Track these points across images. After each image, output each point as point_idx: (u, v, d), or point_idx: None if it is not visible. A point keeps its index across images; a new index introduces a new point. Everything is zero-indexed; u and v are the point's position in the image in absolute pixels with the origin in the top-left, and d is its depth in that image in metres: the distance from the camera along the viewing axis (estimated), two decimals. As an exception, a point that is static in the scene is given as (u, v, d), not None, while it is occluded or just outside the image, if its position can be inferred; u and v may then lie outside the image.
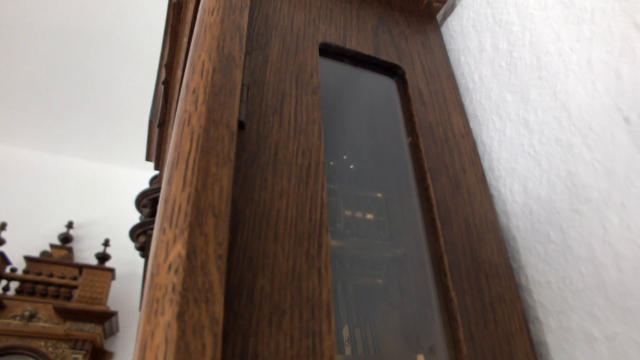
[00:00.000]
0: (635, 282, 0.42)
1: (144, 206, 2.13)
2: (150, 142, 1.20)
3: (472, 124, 0.67)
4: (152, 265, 0.32)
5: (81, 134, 3.16)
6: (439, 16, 0.80)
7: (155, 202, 1.93)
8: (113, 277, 2.55)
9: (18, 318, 2.20)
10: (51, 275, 2.39)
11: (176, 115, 0.41)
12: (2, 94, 2.83)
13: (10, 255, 2.48)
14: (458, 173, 0.56)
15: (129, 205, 2.76)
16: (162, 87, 0.95)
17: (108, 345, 2.57)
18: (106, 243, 2.70)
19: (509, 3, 0.65)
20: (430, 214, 0.52)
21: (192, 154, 0.37)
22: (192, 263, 0.31)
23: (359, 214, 0.66)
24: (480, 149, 0.64)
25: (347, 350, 0.64)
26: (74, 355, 2.23)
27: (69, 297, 2.38)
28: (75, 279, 2.44)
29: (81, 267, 2.51)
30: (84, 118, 3.03)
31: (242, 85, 0.47)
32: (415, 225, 0.56)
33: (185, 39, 0.79)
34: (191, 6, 0.75)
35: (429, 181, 0.53)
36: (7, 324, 2.17)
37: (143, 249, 1.95)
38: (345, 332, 0.65)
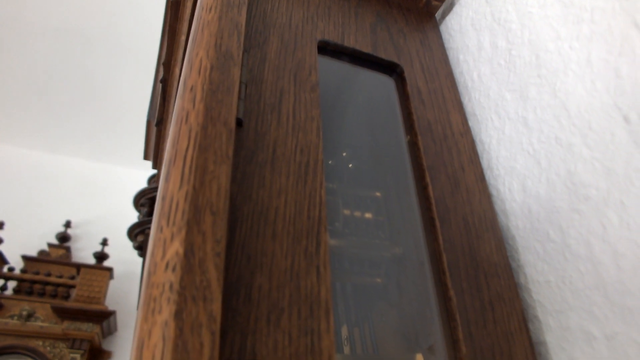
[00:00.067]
0: (635, 281, 0.42)
1: (142, 205, 2.13)
2: (148, 140, 1.20)
3: (471, 123, 0.67)
4: (150, 263, 0.32)
5: (79, 134, 3.16)
6: (437, 14, 0.79)
7: (153, 201, 1.93)
8: (111, 277, 2.55)
9: (16, 317, 2.19)
10: (49, 275, 2.38)
11: (174, 113, 0.41)
12: (0, 93, 2.82)
13: (7, 255, 2.48)
14: (457, 172, 0.56)
15: (127, 205, 2.76)
16: (159, 85, 0.94)
17: (106, 345, 2.57)
18: (104, 242, 2.69)
19: (507, 1, 0.65)
20: (429, 213, 0.52)
21: (190, 151, 0.36)
22: (189, 261, 0.31)
23: (357, 213, 0.66)
24: (479, 147, 0.64)
25: (346, 350, 0.64)
26: (72, 355, 2.23)
27: (66, 297, 2.37)
28: (73, 278, 2.43)
29: (79, 267, 2.50)
30: (82, 117, 3.03)
31: (240, 82, 0.47)
32: (414, 224, 0.56)
33: (183, 37, 0.79)
34: (189, 4, 0.75)
35: (428, 179, 0.53)
36: (4, 323, 2.16)
37: (141, 248, 1.95)
38: (344, 331, 0.65)
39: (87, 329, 2.29)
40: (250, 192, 0.41)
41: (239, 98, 0.45)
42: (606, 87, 0.48)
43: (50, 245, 2.71)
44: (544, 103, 0.55)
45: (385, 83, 0.64)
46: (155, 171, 1.95)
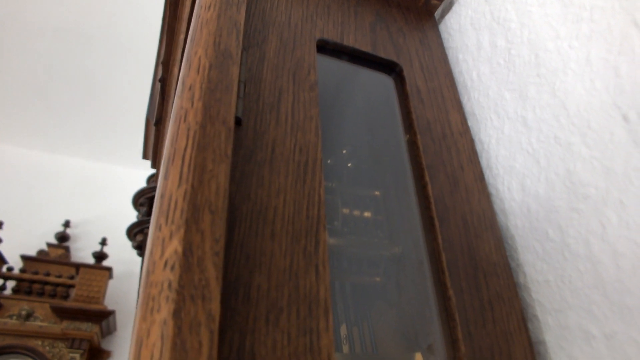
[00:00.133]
0: (634, 280, 0.42)
1: (141, 205, 2.13)
2: (147, 140, 1.19)
3: (470, 122, 0.67)
4: (148, 262, 0.32)
5: (78, 133, 3.15)
6: (437, 14, 0.79)
7: (152, 200, 1.93)
8: (110, 276, 2.55)
9: (15, 317, 2.19)
10: (48, 275, 2.38)
11: (172, 112, 0.41)
12: (-1, 93, 2.82)
13: (6, 254, 2.47)
14: (456, 171, 0.56)
15: (126, 204, 2.76)
16: (158, 84, 0.94)
17: (105, 345, 2.57)
18: (103, 242, 2.69)
19: (507, 0, 0.65)
20: (428, 212, 0.52)
21: (189, 150, 0.36)
22: (188, 260, 0.31)
23: (356, 212, 0.66)
24: (478, 147, 0.64)
25: (345, 349, 0.64)
26: (71, 355, 2.22)
27: (66, 296, 2.37)
28: (72, 278, 2.43)
29: (78, 266, 2.50)
30: (81, 117, 3.02)
31: (239, 81, 0.47)
32: (413, 223, 0.55)
33: (182, 36, 0.79)
34: (188, 3, 0.75)
35: (427, 179, 0.53)
36: (3, 323, 2.16)
37: (140, 248, 1.95)
38: (343, 331, 0.64)
39: (87, 328, 2.29)
40: (249, 192, 0.40)
41: (237, 97, 0.45)
42: (605, 86, 0.48)
43: (49, 245, 2.71)
44: (543, 102, 0.55)
45: (384, 82, 0.64)
46: (154, 170, 1.95)
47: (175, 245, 0.31)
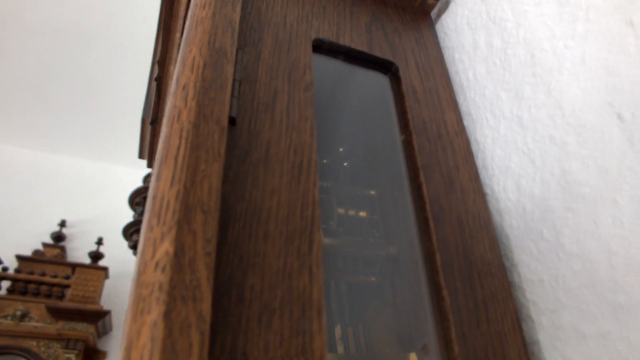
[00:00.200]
0: (627, 279, 0.42)
1: (137, 204, 2.12)
2: (143, 139, 1.19)
3: (466, 122, 0.67)
4: (139, 262, 0.31)
5: (75, 133, 3.14)
6: (433, 13, 0.79)
7: (148, 200, 1.92)
8: (106, 276, 2.54)
9: (9, 318, 2.18)
10: (43, 274, 2.37)
11: (166, 111, 0.41)
12: (-5, 92, 2.81)
13: (1, 254, 2.46)
14: (451, 171, 0.56)
15: (122, 204, 2.75)
16: (154, 83, 0.94)
17: (101, 345, 2.56)
18: (99, 242, 2.69)
19: (503, 0, 0.65)
20: (423, 212, 0.51)
21: (182, 149, 0.36)
22: (179, 260, 0.30)
23: (352, 212, 0.65)
24: (474, 146, 0.64)
25: (340, 349, 0.63)
26: (66, 355, 2.22)
27: (61, 297, 2.36)
28: (68, 277, 2.42)
29: (74, 266, 2.49)
30: (78, 116, 3.01)
31: (234, 80, 0.46)
32: (409, 223, 0.55)
33: (178, 35, 0.79)
34: (184, 1, 0.74)
35: (422, 179, 0.53)
36: (-2, 323, 2.15)
37: (136, 248, 1.94)
38: (338, 331, 0.64)
39: (82, 328, 2.28)
40: (243, 192, 0.40)
41: (232, 96, 0.45)
42: (600, 86, 0.48)
43: (45, 244, 2.70)
44: (538, 102, 0.55)
45: (380, 82, 0.64)
46: (150, 170, 1.95)
47: (166, 246, 0.31)
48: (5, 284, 2.41)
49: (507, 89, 0.60)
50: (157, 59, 0.91)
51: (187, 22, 0.47)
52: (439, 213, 0.51)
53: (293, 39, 0.56)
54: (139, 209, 2.11)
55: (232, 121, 0.44)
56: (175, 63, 0.80)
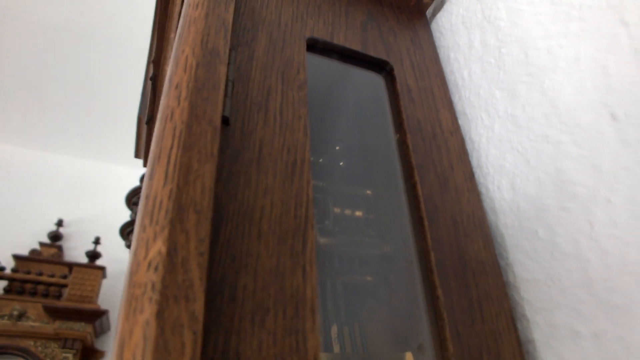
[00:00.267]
0: (621, 278, 0.42)
1: (135, 204, 2.12)
2: (139, 138, 1.19)
3: (461, 121, 0.67)
4: (132, 262, 0.31)
5: (72, 132, 3.14)
6: (428, 13, 0.79)
7: (145, 200, 1.91)
8: (104, 276, 2.53)
9: (6, 317, 2.18)
10: (40, 274, 2.36)
11: (159, 111, 0.41)
12: (-9, 91, 2.80)
13: (-2, 254, 2.46)
14: (446, 170, 0.56)
15: (119, 203, 2.75)
16: (149, 83, 0.94)
17: (99, 344, 2.56)
18: (97, 241, 2.68)
19: (497, -1, 0.65)
20: (417, 211, 0.51)
21: (174, 149, 0.36)
22: (172, 260, 0.30)
23: (347, 211, 0.65)
24: (469, 146, 0.64)
25: (336, 348, 0.63)
26: (64, 355, 2.21)
27: (58, 296, 2.36)
28: (65, 277, 2.42)
29: (71, 266, 2.48)
30: (74, 115, 3.01)
31: (227, 80, 0.46)
32: (404, 223, 0.55)
33: (173, 34, 0.79)
34: (178, 1, 0.74)
35: (417, 178, 0.53)
36: (-5, 323, 2.15)
37: (133, 247, 1.94)
38: (334, 330, 0.64)
39: (80, 328, 2.27)
40: (236, 192, 0.40)
41: (225, 96, 0.45)
42: (594, 85, 0.48)
43: (42, 244, 2.69)
44: (533, 101, 0.55)
45: (375, 81, 0.64)
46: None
47: (159, 246, 0.31)
48: (2, 283, 2.41)
49: (502, 88, 0.60)
50: (152, 58, 0.91)
51: (180, 22, 0.47)
52: (433, 212, 0.51)
53: (287, 38, 0.56)
54: (136, 208, 2.11)
55: (225, 121, 0.44)
56: (171, 62, 0.80)
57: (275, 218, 0.40)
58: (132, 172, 3.33)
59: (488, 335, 0.45)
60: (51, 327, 2.22)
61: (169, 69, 0.44)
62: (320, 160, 0.69)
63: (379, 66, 0.64)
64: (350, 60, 0.63)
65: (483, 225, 0.54)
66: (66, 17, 2.39)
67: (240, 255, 0.37)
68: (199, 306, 0.30)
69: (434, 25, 0.79)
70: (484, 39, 0.66)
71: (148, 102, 0.99)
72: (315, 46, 0.60)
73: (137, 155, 1.27)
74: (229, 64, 0.48)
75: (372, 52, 0.63)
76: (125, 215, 2.61)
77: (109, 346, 2.59)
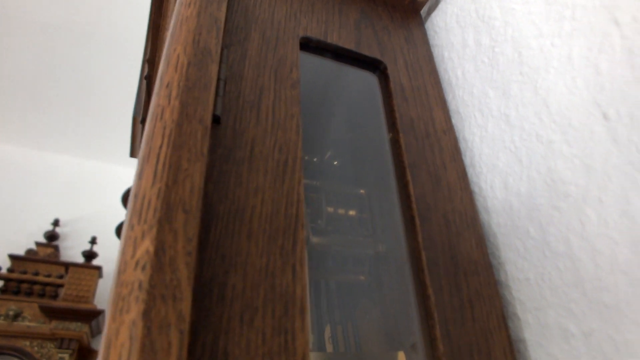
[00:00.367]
0: (611, 277, 0.42)
1: (131, 203, 2.12)
2: (134, 138, 1.19)
3: (454, 120, 0.67)
4: (120, 262, 0.31)
5: (67, 131, 3.13)
6: (423, 12, 0.79)
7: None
8: (100, 275, 2.53)
9: (2, 317, 2.17)
10: (37, 274, 2.36)
11: (150, 110, 0.40)
12: (-13, 90, 2.79)
13: (-5, 254, 2.45)
14: (439, 169, 0.56)
15: (116, 203, 2.75)
16: (144, 82, 0.93)
17: (95, 344, 2.55)
18: (93, 241, 2.68)
19: (491, -2, 0.65)
20: (409, 210, 0.51)
21: (164, 148, 0.36)
22: (160, 259, 0.30)
23: (341, 211, 0.65)
24: (462, 145, 0.64)
25: (329, 348, 0.63)
26: (60, 355, 2.21)
27: (54, 296, 2.35)
28: (61, 277, 2.41)
29: (67, 265, 2.48)
30: (70, 114, 3.00)
31: (219, 79, 0.46)
32: (397, 222, 0.55)
33: (167, 34, 0.78)
34: (173, 0, 0.74)
35: (409, 177, 0.53)
36: (-9, 323, 2.14)
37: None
38: (327, 330, 0.64)
39: (76, 328, 2.27)
40: (227, 191, 0.40)
41: (217, 95, 0.45)
42: (586, 84, 0.48)
43: (38, 244, 2.68)
44: (525, 100, 0.55)
45: (368, 80, 0.64)
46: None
47: (147, 245, 0.31)
48: (-2, 283, 2.40)
49: (495, 87, 0.60)
50: (146, 57, 0.91)
51: (172, 21, 0.47)
52: (425, 211, 0.51)
53: (280, 36, 0.56)
54: (133, 208, 2.11)
55: (216, 120, 0.44)
56: (165, 61, 0.79)
57: (265, 217, 0.40)
58: (128, 172, 3.32)
59: (479, 334, 0.45)
60: (47, 327, 2.22)
61: (160, 68, 0.43)
62: (315, 159, 0.69)
63: (373, 65, 0.63)
64: (344, 59, 0.63)
65: (475, 224, 0.54)
66: (64, 17, 2.39)
67: (230, 254, 0.37)
68: (186, 306, 0.29)
69: (428, 24, 0.79)
70: (477, 38, 0.66)
71: (143, 102, 0.98)
72: (308, 45, 0.60)
73: (132, 155, 1.26)
74: (221, 62, 0.47)
75: (365, 51, 0.62)
76: (121, 215, 2.60)
77: (106, 346, 2.58)
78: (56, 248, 2.72)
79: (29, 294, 2.30)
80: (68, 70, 2.70)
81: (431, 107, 0.62)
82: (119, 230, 2.13)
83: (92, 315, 2.33)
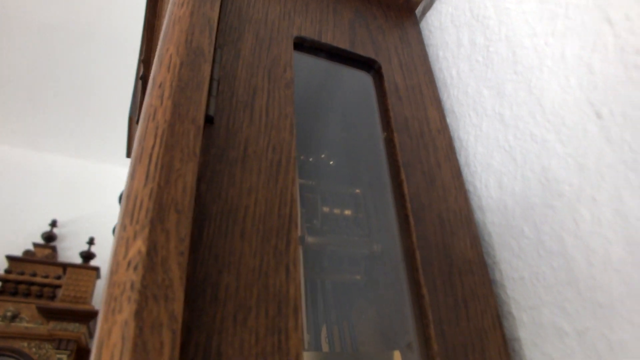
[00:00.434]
0: (605, 276, 0.42)
1: (128, 204, 2.11)
2: (130, 138, 1.19)
3: (449, 120, 0.67)
4: (112, 262, 0.31)
5: (64, 131, 3.12)
6: (418, 11, 0.79)
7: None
8: (98, 276, 2.53)
9: (0, 319, 2.17)
10: (34, 275, 2.35)
11: (142, 110, 0.40)
12: (-16, 91, 2.78)
13: (-8, 255, 2.45)
14: (433, 168, 0.56)
15: (113, 203, 2.74)
16: (140, 83, 0.93)
17: (93, 345, 2.54)
18: (91, 241, 2.67)
19: (485, -2, 0.65)
20: (403, 210, 0.51)
21: (156, 148, 0.36)
22: (152, 260, 0.30)
23: (336, 210, 0.65)
24: (457, 144, 0.64)
25: (325, 347, 0.63)
26: (58, 356, 2.20)
27: (52, 297, 2.34)
28: (59, 278, 2.41)
29: (65, 266, 2.47)
30: (67, 114, 2.99)
31: (212, 79, 0.46)
32: (392, 221, 0.55)
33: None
34: (168, 0, 0.74)
35: (403, 176, 0.53)
36: (-12, 324, 2.14)
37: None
38: (323, 329, 0.64)
39: (74, 329, 2.26)
40: (220, 191, 0.40)
41: (210, 95, 0.45)
42: (579, 83, 0.48)
43: (35, 244, 2.68)
44: (519, 99, 0.55)
45: (363, 79, 0.64)
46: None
47: (139, 245, 0.31)
48: (-4, 284, 2.40)
49: (490, 87, 0.61)
50: (142, 58, 0.91)
51: (165, 21, 0.47)
52: (419, 210, 0.51)
53: (274, 36, 0.56)
54: (130, 208, 2.10)
55: (210, 120, 0.44)
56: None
57: (259, 217, 0.40)
58: (126, 173, 3.32)
59: (473, 333, 0.45)
60: (45, 328, 2.21)
61: (153, 68, 0.43)
62: (310, 159, 0.69)
63: (367, 65, 0.63)
64: (338, 59, 0.63)
65: (470, 224, 0.54)
66: (63, 17, 2.38)
67: (223, 254, 0.37)
68: (178, 306, 0.29)
69: (423, 24, 0.79)
70: (472, 38, 0.66)
71: (139, 102, 0.98)
72: (302, 45, 0.60)
73: (129, 155, 1.26)
74: (214, 62, 0.47)
75: (360, 51, 0.62)
76: (119, 215, 2.60)
77: (104, 347, 2.57)
78: (54, 249, 2.71)
79: (27, 295, 2.29)
80: (66, 70, 2.69)
81: (426, 106, 0.62)
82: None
83: (90, 316, 2.32)
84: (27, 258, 2.52)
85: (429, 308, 0.44)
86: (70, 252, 2.81)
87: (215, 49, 0.49)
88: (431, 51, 0.74)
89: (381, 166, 0.59)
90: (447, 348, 0.43)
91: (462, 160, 0.62)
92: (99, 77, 2.75)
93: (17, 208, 2.90)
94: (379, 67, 0.62)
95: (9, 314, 2.17)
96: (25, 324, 2.20)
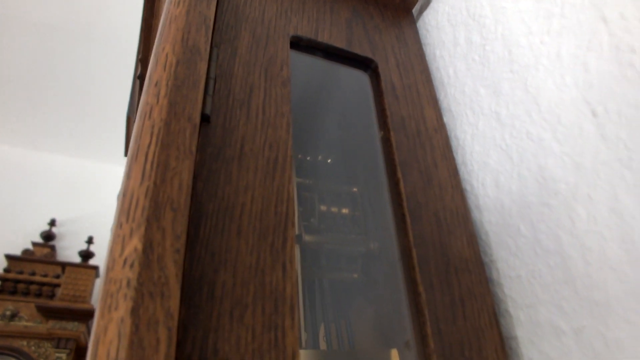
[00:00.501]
0: (601, 274, 0.42)
1: (127, 203, 2.11)
2: (128, 138, 1.19)
3: (446, 119, 0.67)
4: (108, 260, 0.31)
5: (63, 130, 3.12)
6: (414, 10, 0.79)
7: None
8: (97, 275, 2.53)
9: (-1, 317, 2.17)
10: (33, 274, 2.36)
11: (138, 108, 0.41)
12: (-18, 90, 2.78)
13: (-9, 254, 2.45)
14: (430, 167, 0.56)
15: (112, 202, 2.74)
16: (137, 82, 0.93)
17: (92, 344, 2.54)
18: (90, 240, 2.67)
19: (482, -3, 0.65)
20: (400, 208, 0.52)
21: (152, 147, 0.36)
22: (148, 257, 0.30)
23: (334, 209, 0.65)
24: (454, 143, 0.64)
25: (322, 346, 0.64)
26: (57, 355, 2.20)
27: (51, 296, 2.35)
28: (58, 277, 2.41)
29: (64, 265, 2.47)
30: (65, 114, 2.99)
31: (208, 78, 0.46)
32: (388, 220, 0.56)
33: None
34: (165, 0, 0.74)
35: (400, 175, 0.53)
36: (-12, 323, 2.14)
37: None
38: (321, 327, 0.64)
39: (73, 328, 2.26)
40: (216, 189, 0.40)
41: (206, 93, 0.45)
42: (575, 82, 0.48)
43: (34, 244, 2.68)
44: (516, 98, 0.56)
45: (360, 79, 0.64)
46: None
47: (135, 243, 0.31)
48: (-5, 284, 2.40)
49: (486, 86, 0.61)
50: (139, 57, 0.91)
51: (162, 20, 0.47)
52: (415, 209, 0.51)
53: (271, 35, 0.56)
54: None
55: (206, 118, 0.44)
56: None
57: (255, 215, 0.40)
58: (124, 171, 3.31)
59: (470, 332, 0.45)
60: (44, 327, 2.21)
61: (149, 67, 0.44)
62: (307, 158, 0.69)
63: (364, 64, 0.64)
64: (335, 58, 0.63)
65: (467, 222, 0.54)
66: (62, 17, 2.38)
67: (219, 252, 0.37)
68: (174, 303, 0.30)
69: (420, 23, 0.79)
70: (468, 37, 0.66)
71: (136, 102, 0.98)
72: (299, 43, 0.60)
73: (127, 154, 1.26)
74: (210, 61, 0.48)
75: (357, 50, 0.63)
76: (118, 214, 2.59)
77: (103, 346, 2.57)
78: (53, 248, 2.71)
79: (26, 293, 2.29)
80: (65, 70, 2.69)
81: (422, 105, 0.62)
82: (115, 230, 2.13)
83: (89, 315, 2.32)
84: (26, 257, 2.52)
85: (425, 306, 0.44)
86: (69, 251, 2.81)
87: (211, 48, 0.49)
88: (428, 50, 0.75)
89: (378, 165, 0.59)
90: (444, 346, 0.43)
91: (458, 159, 0.63)
92: (98, 77, 2.74)
93: (16, 207, 2.90)
94: (376, 66, 0.62)
95: (8, 312, 2.17)
96: (24, 323, 2.20)
